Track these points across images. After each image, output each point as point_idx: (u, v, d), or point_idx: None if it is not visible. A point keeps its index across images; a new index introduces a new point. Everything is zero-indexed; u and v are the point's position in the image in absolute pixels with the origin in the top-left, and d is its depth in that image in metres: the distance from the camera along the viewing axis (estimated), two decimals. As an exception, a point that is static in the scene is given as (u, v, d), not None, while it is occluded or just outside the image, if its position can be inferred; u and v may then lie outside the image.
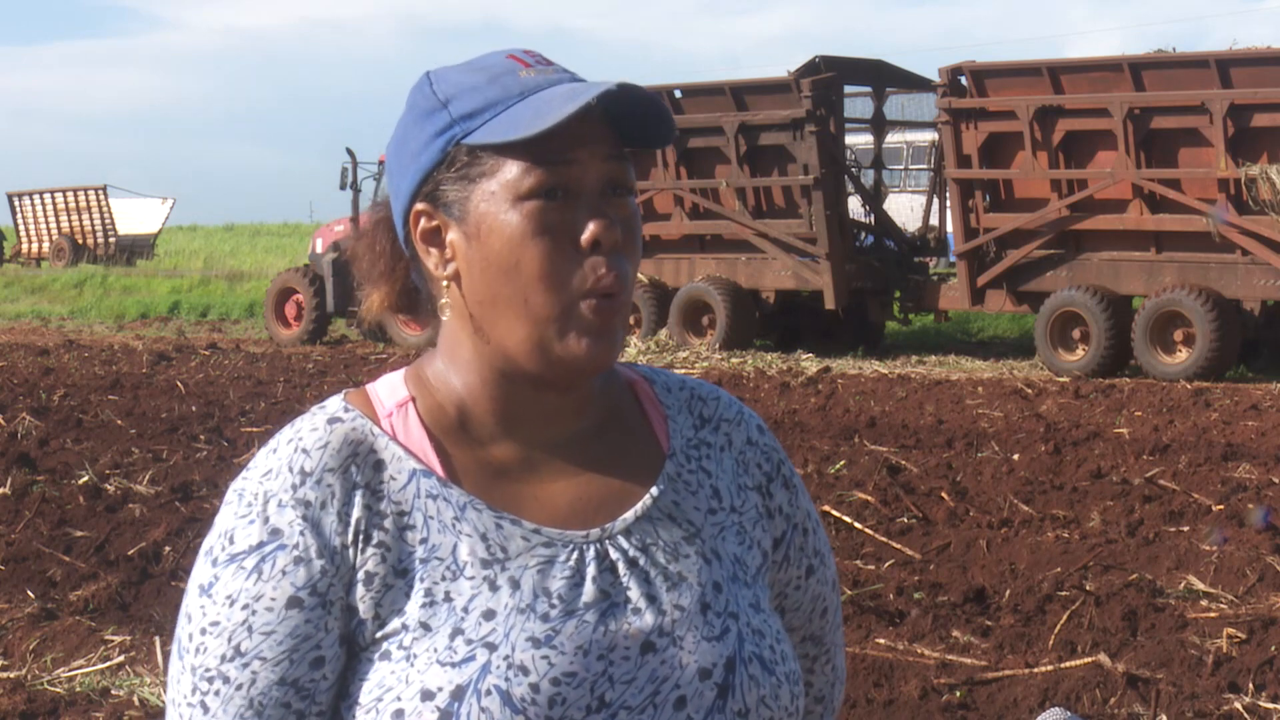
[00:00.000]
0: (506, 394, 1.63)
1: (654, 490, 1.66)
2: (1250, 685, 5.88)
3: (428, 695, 1.53)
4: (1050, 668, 6.01)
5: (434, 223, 1.62)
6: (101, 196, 45.31)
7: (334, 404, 1.64)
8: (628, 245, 1.60)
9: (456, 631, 1.55)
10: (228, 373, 18.28)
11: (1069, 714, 1.96)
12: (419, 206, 1.63)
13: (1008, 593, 7.19)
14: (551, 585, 1.58)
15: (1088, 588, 7.24)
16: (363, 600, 1.56)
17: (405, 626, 1.56)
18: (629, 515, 1.64)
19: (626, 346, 21.50)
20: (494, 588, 1.57)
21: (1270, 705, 5.69)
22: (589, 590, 1.59)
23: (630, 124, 1.61)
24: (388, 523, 1.58)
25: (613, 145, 1.60)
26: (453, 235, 1.61)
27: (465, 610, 1.56)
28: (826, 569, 1.81)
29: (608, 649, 1.57)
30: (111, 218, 45.18)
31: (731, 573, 1.66)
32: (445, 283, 1.63)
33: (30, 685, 5.90)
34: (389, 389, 1.66)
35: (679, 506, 1.67)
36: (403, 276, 1.69)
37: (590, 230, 1.57)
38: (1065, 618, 6.70)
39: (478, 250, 1.59)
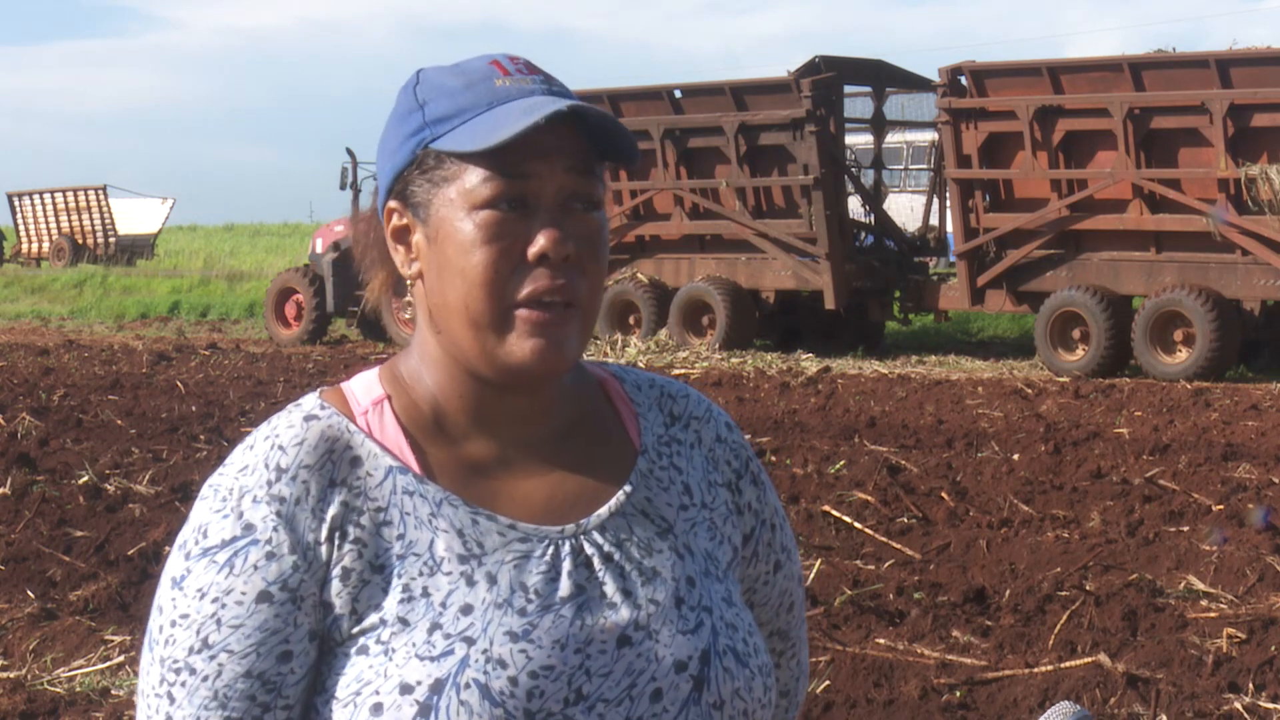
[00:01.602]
0: (475, 393, 1.65)
1: (627, 487, 1.69)
2: (1250, 685, 5.88)
3: (406, 689, 1.54)
4: (1050, 668, 6.01)
5: (404, 220, 1.66)
6: (101, 196, 45.31)
7: (310, 402, 1.66)
8: (586, 259, 1.61)
9: (435, 626, 1.56)
10: (228, 373, 18.28)
11: (1077, 708, 1.95)
12: (391, 204, 1.67)
13: (1008, 593, 7.19)
14: (528, 580, 1.60)
15: (1088, 588, 7.24)
16: (339, 596, 1.58)
17: (383, 621, 1.57)
18: (603, 511, 1.66)
19: (627, 347, 21.51)
20: (471, 583, 1.59)
21: (1270, 705, 5.69)
22: (565, 585, 1.61)
23: (600, 137, 1.63)
24: (364, 519, 1.60)
25: (577, 159, 1.61)
26: (418, 236, 1.65)
27: (443, 605, 1.57)
28: (793, 565, 1.84)
29: (584, 643, 1.59)
30: (111, 218, 45.18)
31: (704, 567, 1.69)
32: (410, 282, 1.67)
33: (30, 685, 5.90)
34: (364, 387, 1.69)
35: (651, 503, 1.69)
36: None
37: (539, 244, 1.59)
38: (1065, 618, 6.70)
39: (435, 254, 1.62)
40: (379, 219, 1.71)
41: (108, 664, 6.10)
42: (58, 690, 5.86)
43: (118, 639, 6.36)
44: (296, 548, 1.58)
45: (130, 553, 7.80)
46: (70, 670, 6.08)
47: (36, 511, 8.76)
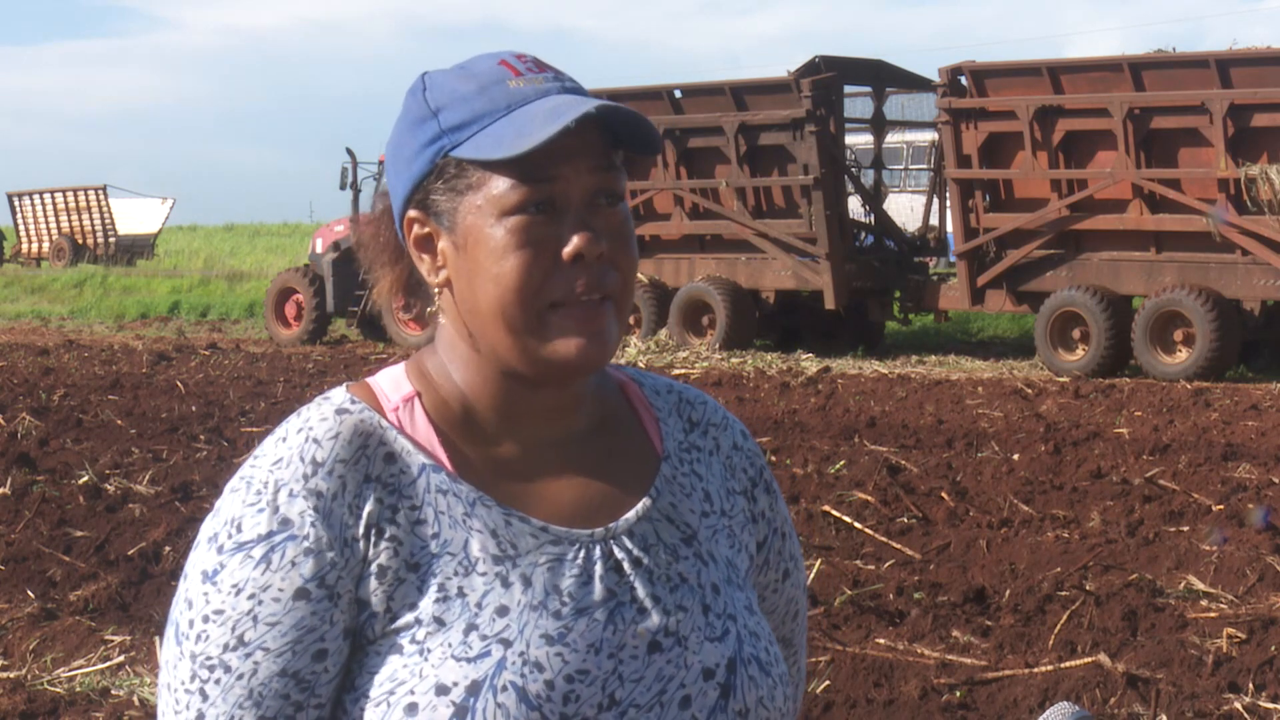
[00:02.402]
0: (505, 391, 1.65)
1: (652, 492, 1.69)
2: (1250, 685, 5.88)
3: (443, 690, 1.53)
4: (1050, 668, 6.01)
5: (426, 230, 1.64)
6: (101, 196, 45.32)
7: (339, 395, 1.65)
8: (618, 254, 1.61)
9: (471, 627, 1.56)
10: (228, 373, 18.28)
11: (1076, 708, 1.96)
12: (411, 214, 1.65)
13: (1008, 593, 7.19)
14: (561, 583, 1.60)
15: (1088, 588, 7.24)
16: (374, 593, 1.57)
17: (418, 621, 1.56)
18: (630, 516, 1.66)
19: (626, 346, 21.50)
20: (506, 584, 1.58)
21: (1270, 705, 5.69)
22: (597, 589, 1.61)
23: (622, 126, 1.63)
24: (400, 516, 1.59)
25: (600, 156, 1.61)
26: (443, 244, 1.63)
27: (479, 606, 1.57)
28: (800, 573, 1.84)
29: (617, 648, 1.58)
30: (111, 218, 45.19)
31: (726, 575, 1.69)
32: (437, 289, 1.65)
33: (30, 685, 5.90)
34: (392, 383, 1.67)
35: (676, 509, 1.69)
36: (408, 264, 1.71)
37: (573, 244, 1.58)
38: (1065, 618, 6.70)
39: (465, 261, 1.61)
40: (393, 221, 1.69)
41: (108, 664, 6.10)
42: (58, 690, 5.86)
43: (118, 639, 6.36)
44: (334, 544, 1.56)
45: (130, 553, 7.80)
46: (70, 670, 6.08)
47: (36, 511, 8.75)
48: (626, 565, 1.63)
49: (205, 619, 1.56)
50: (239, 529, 1.57)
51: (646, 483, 1.69)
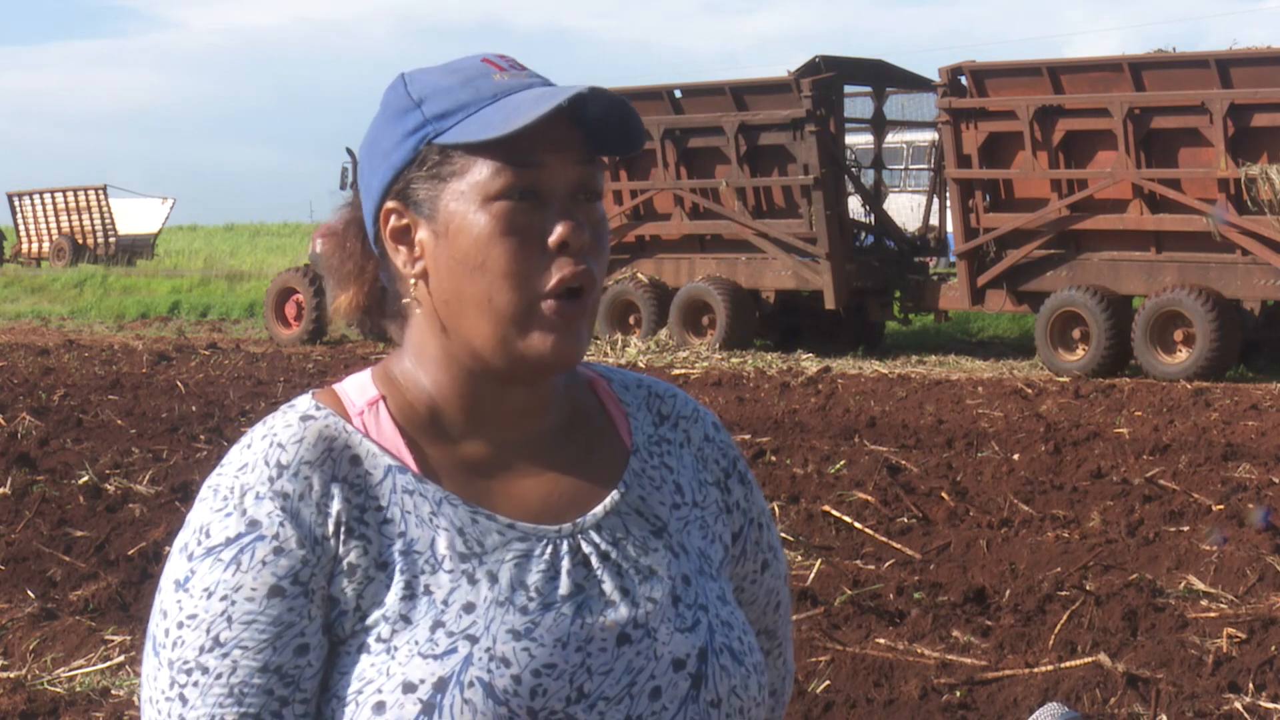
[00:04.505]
0: (474, 391, 1.65)
1: (621, 486, 1.69)
2: (1250, 685, 5.88)
3: (409, 687, 1.54)
4: (1050, 668, 6.01)
5: (404, 221, 1.64)
6: (101, 196, 45.30)
7: (304, 403, 1.65)
8: (595, 249, 1.62)
9: (437, 624, 1.56)
10: (228, 373, 18.28)
11: (1065, 708, 1.97)
12: (389, 204, 1.65)
13: (1008, 593, 7.20)
14: (528, 579, 1.60)
15: (1088, 588, 7.24)
16: (343, 592, 1.57)
17: (385, 619, 1.57)
18: (598, 510, 1.67)
19: (627, 347, 21.50)
20: (472, 581, 1.59)
21: (1270, 705, 5.69)
22: (564, 584, 1.61)
23: (600, 130, 1.63)
24: (367, 516, 1.59)
25: (582, 150, 1.62)
26: (422, 234, 1.63)
27: (445, 603, 1.57)
28: (780, 564, 1.84)
29: (585, 641, 1.59)
30: (111, 218, 45.17)
31: (698, 566, 1.69)
32: (413, 281, 1.65)
33: (30, 685, 5.90)
34: (358, 388, 1.68)
35: (645, 502, 1.70)
36: (371, 277, 1.71)
37: (559, 232, 1.59)
38: (1065, 618, 6.70)
39: (446, 249, 1.61)
40: (359, 230, 1.69)
41: (108, 664, 6.10)
42: (58, 690, 5.86)
43: (118, 639, 6.36)
44: (304, 542, 1.57)
45: (130, 553, 7.80)
46: (70, 670, 6.08)
47: (36, 511, 8.76)
48: (594, 559, 1.63)
49: (180, 625, 1.56)
50: (207, 535, 1.58)
51: (615, 477, 1.70)
